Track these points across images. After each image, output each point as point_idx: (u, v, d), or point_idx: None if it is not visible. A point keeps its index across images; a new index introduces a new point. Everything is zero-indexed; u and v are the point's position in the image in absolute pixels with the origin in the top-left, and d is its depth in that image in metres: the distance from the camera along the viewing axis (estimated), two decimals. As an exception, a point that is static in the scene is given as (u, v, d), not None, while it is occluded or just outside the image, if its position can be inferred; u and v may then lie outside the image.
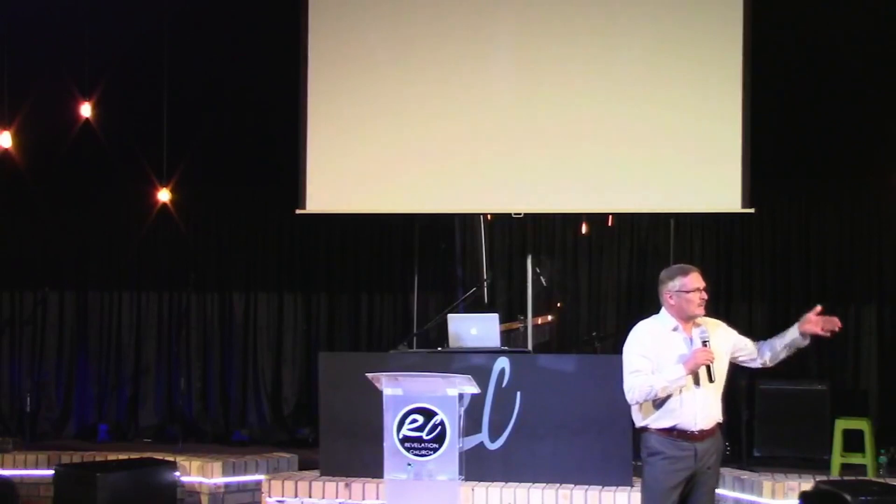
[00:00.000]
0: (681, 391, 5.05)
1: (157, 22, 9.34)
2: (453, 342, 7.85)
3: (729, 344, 5.24)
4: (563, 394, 7.54)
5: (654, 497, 5.14)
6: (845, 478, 7.85)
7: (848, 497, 6.20)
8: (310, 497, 7.61)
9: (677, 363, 5.06)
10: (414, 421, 5.90)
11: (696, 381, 5.06)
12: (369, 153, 8.69)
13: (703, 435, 5.09)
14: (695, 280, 5.16)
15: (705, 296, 5.17)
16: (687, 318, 5.16)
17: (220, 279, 10.60)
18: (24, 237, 10.47)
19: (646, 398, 5.08)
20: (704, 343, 5.07)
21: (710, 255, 9.89)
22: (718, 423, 5.18)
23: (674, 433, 5.08)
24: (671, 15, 8.38)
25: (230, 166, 10.07)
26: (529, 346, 8.29)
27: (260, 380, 10.50)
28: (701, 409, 5.08)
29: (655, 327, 5.23)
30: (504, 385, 7.58)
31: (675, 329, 5.17)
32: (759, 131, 8.35)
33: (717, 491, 7.69)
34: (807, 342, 5.34)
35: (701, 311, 5.15)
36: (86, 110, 9.30)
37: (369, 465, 7.13)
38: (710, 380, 5.07)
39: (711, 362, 5.05)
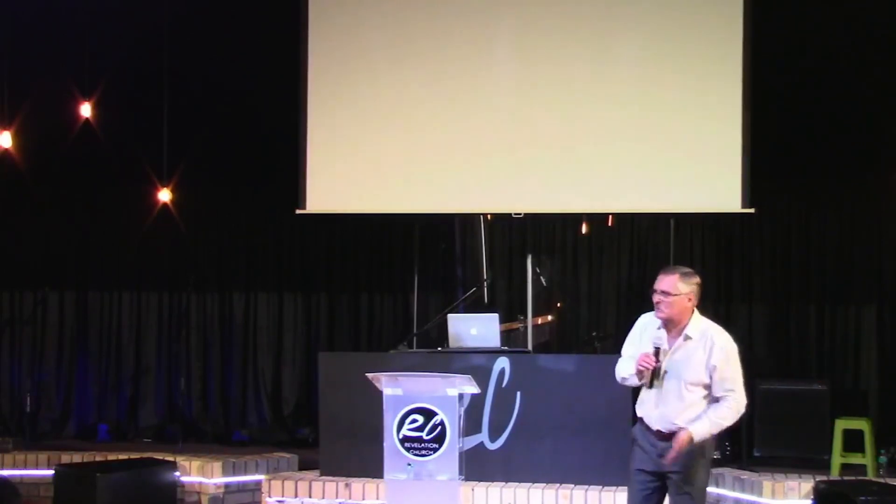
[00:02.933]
0: (645, 387, 5.20)
1: (157, 22, 9.34)
2: (453, 342, 7.85)
3: (702, 367, 5.10)
4: (563, 394, 7.54)
5: (629, 479, 5.32)
6: (845, 478, 7.85)
7: (855, 497, 6.20)
8: (310, 497, 7.61)
9: None
10: (414, 421, 5.90)
11: (649, 384, 5.13)
12: (369, 153, 8.69)
13: (661, 436, 5.13)
14: (656, 281, 5.21)
15: (656, 298, 5.16)
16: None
17: (220, 279, 10.59)
18: (24, 237, 10.46)
19: (619, 381, 5.35)
20: (656, 349, 5.10)
21: (710, 255, 9.88)
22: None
23: (644, 424, 5.23)
24: (671, 15, 8.38)
25: (230, 166, 10.07)
26: (529, 346, 8.30)
27: (260, 380, 10.50)
28: (653, 409, 5.15)
29: (651, 321, 5.28)
30: (504, 385, 7.58)
31: (659, 328, 5.20)
32: (759, 131, 8.35)
33: (717, 491, 7.74)
34: None
35: (660, 313, 5.15)
36: (86, 110, 9.30)
37: (369, 465, 7.13)
38: (649, 385, 5.13)
39: (648, 368, 5.07)
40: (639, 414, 5.26)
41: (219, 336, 10.57)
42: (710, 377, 5.09)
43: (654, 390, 5.15)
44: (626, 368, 5.26)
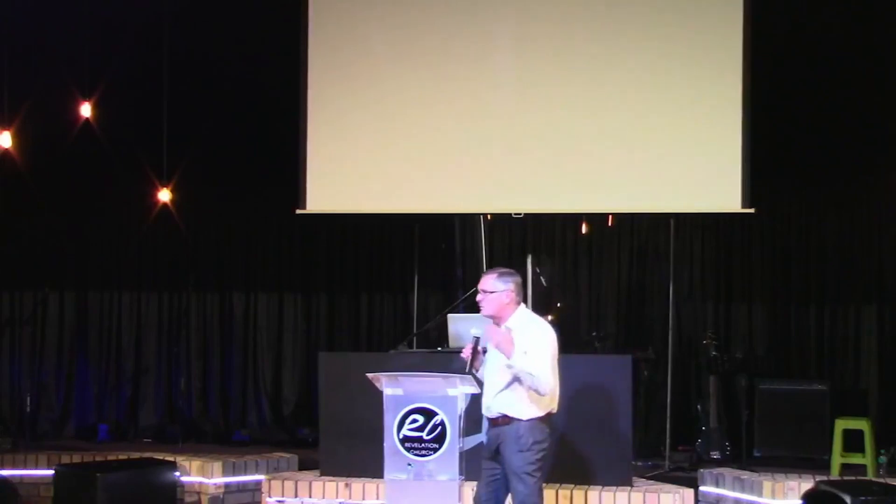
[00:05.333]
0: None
1: (157, 22, 9.35)
2: (453, 342, 7.85)
3: (517, 352, 5.65)
4: (563, 394, 7.50)
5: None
6: (845, 478, 7.85)
7: (847, 498, 6.20)
8: (310, 497, 7.61)
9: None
10: (414, 421, 5.90)
11: (467, 370, 5.78)
12: (369, 153, 8.69)
13: (490, 422, 5.75)
14: (479, 282, 5.83)
15: (479, 297, 5.80)
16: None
17: (220, 279, 10.60)
18: (24, 237, 10.46)
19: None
20: (476, 339, 5.74)
21: (710, 255, 9.89)
22: (505, 416, 5.69)
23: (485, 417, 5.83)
24: (671, 15, 8.38)
25: (230, 166, 10.06)
26: (529, 346, 8.27)
27: (260, 380, 10.51)
28: (484, 396, 5.79)
29: None
30: (504, 385, 7.56)
31: (491, 321, 5.81)
32: (759, 131, 8.35)
33: (717, 491, 7.75)
34: None
35: (483, 310, 5.78)
36: (86, 110, 9.30)
37: (369, 465, 7.12)
38: (467, 371, 5.78)
39: (466, 359, 5.73)
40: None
41: (219, 336, 10.57)
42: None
43: (487, 382, 5.75)
44: None
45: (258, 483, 8.07)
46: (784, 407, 8.82)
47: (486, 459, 5.84)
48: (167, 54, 9.43)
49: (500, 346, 5.63)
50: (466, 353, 5.78)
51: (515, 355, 5.61)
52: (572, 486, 7.33)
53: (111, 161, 9.80)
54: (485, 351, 5.81)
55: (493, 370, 5.76)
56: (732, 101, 8.21)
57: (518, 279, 5.84)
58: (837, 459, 8.38)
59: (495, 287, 5.74)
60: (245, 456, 8.54)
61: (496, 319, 5.76)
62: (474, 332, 5.79)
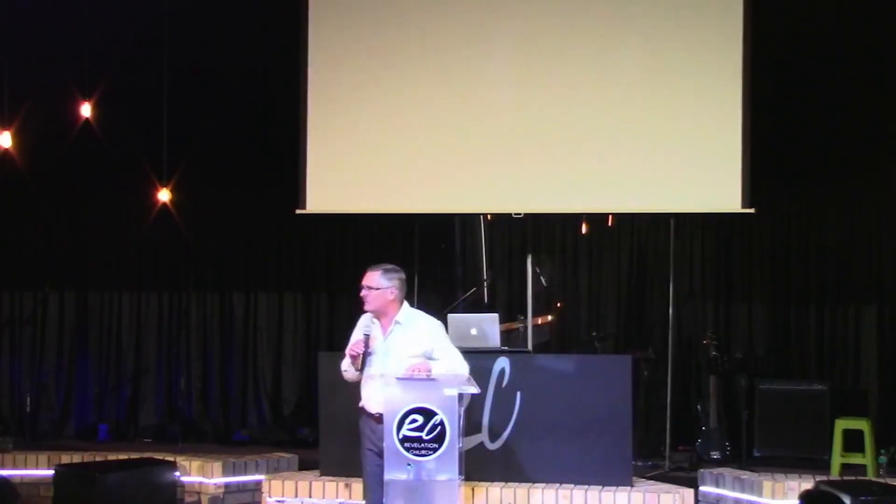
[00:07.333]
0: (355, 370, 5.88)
1: (157, 22, 9.35)
2: (453, 342, 7.83)
3: (418, 347, 5.87)
4: (563, 394, 7.54)
5: (361, 464, 6.00)
6: (845, 478, 7.86)
7: (847, 498, 6.20)
8: (310, 497, 7.61)
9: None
10: (414, 421, 5.89)
11: (360, 367, 5.84)
12: (369, 153, 8.68)
13: (381, 418, 5.78)
14: (363, 278, 5.92)
15: (363, 293, 5.89)
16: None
17: (220, 279, 10.60)
18: (24, 237, 10.46)
19: (344, 374, 6.01)
20: (366, 336, 5.85)
21: (710, 255, 9.89)
22: None
23: (364, 412, 5.93)
24: (671, 15, 8.37)
25: (230, 166, 10.07)
26: (529, 346, 8.29)
27: (260, 380, 10.51)
28: (374, 394, 5.84)
29: (369, 316, 5.99)
30: (504, 385, 7.57)
31: (374, 319, 5.95)
32: (760, 131, 8.35)
33: (717, 491, 7.76)
34: None
35: (367, 306, 5.90)
36: (86, 110, 9.31)
37: (369, 466, 7.12)
38: (357, 369, 5.85)
39: (356, 354, 5.81)
40: (362, 405, 5.93)
41: (219, 336, 10.57)
42: (429, 353, 5.87)
43: (378, 378, 5.79)
44: (344, 362, 5.96)
45: (258, 483, 8.07)
46: (784, 407, 8.82)
47: (374, 455, 5.89)
48: (167, 54, 9.43)
49: (422, 371, 5.76)
50: (357, 349, 5.84)
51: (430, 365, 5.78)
52: (572, 486, 7.33)
53: (111, 161, 9.81)
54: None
55: (388, 368, 5.83)
56: (732, 101, 8.21)
57: (402, 276, 5.96)
58: (837, 459, 8.38)
59: (380, 284, 5.87)
60: (245, 456, 8.55)
61: (382, 314, 5.90)
62: (364, 331, 5.91)
